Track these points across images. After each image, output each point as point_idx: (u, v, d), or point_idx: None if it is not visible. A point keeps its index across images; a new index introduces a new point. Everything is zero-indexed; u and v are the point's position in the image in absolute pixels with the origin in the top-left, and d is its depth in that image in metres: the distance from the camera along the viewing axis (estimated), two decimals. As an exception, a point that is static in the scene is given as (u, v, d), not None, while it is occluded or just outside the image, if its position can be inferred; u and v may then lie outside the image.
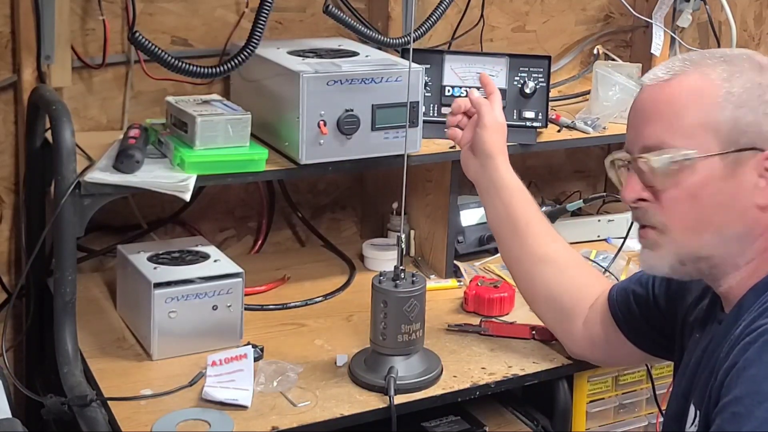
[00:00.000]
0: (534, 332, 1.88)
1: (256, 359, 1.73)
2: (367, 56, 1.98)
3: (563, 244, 1.82)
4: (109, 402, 1.62)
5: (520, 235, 1.78)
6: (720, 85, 1.33)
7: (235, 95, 2.09)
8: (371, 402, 1.66)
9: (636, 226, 1.44)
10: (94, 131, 2.08)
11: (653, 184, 1.37)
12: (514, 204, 1.79)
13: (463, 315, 2.00)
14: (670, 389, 1.67)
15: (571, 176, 2.73)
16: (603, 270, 2.17)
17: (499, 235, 1.83)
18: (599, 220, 2.45)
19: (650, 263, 1.43)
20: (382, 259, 2.19)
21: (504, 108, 2.10)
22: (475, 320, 1.94)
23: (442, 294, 2.08)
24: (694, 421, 1.38)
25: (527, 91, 2.12)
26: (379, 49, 2.09)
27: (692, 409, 1.40)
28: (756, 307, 1.32)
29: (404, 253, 1.74)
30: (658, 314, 1.65)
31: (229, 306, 1.80)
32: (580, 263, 1.84)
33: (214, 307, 1.79)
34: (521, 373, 1.78)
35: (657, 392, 1.95)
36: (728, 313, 1.39)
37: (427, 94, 2.08)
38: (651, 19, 2.57)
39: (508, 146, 2.07)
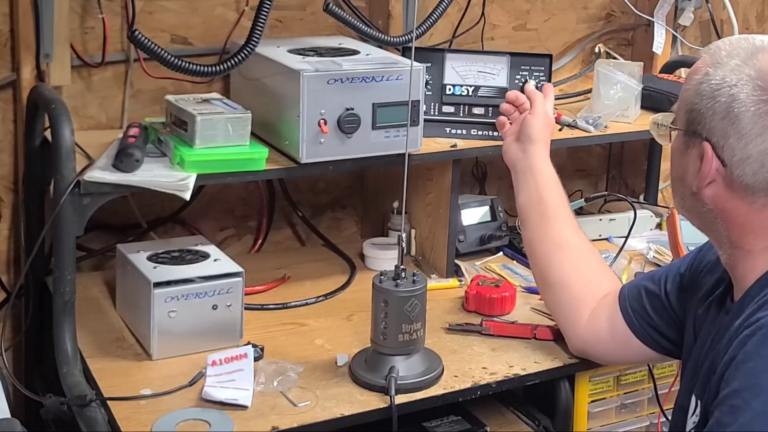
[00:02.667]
0: (535, 332, 1.88)
1: (256, 359, 1.72)
2: (367, 55, 1.97)
3: (585, 237, 1.88)
4: (108, 402, 1.62)
5: (547, 219, 1.85)
6: (704, 69, 1.37)
7: (235, 94, 2.09)
8: (372, 402, 1.65)
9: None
10: (94, 130, 2.08)
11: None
12: (548, 189, 1.87)
13: (464, 314, 1.99)
14: (675, 387, 1.66)
15: (573, 175, 2.72)
16: (604, 269, 2.16)
17: (526, 218, 1.88)
18: (601, 220, 2.44)
19: None
20: (383, 258, 2.18)
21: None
22: (476, 320, 1.94)
23: (442, 293, 2.07)
24: (695, 411, 1.39)
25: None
26: (380, 47, 2.08)
27: (693, 399, 1.40)
28: (758, 300, 1.32)
29: (405, 252, 1.73)
30: (670, 310, 1.66)
31: (229, 305, 1.80)
32: (597, 258, 1.87)
33: (214, 307, 1.78)
34: (522, 373, 1.77)
35: (659, 392, 1.94)
36: (735, 303, 1.39)
37: (428, 93, 2.07)
38: (653, 17, 2.57)
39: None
